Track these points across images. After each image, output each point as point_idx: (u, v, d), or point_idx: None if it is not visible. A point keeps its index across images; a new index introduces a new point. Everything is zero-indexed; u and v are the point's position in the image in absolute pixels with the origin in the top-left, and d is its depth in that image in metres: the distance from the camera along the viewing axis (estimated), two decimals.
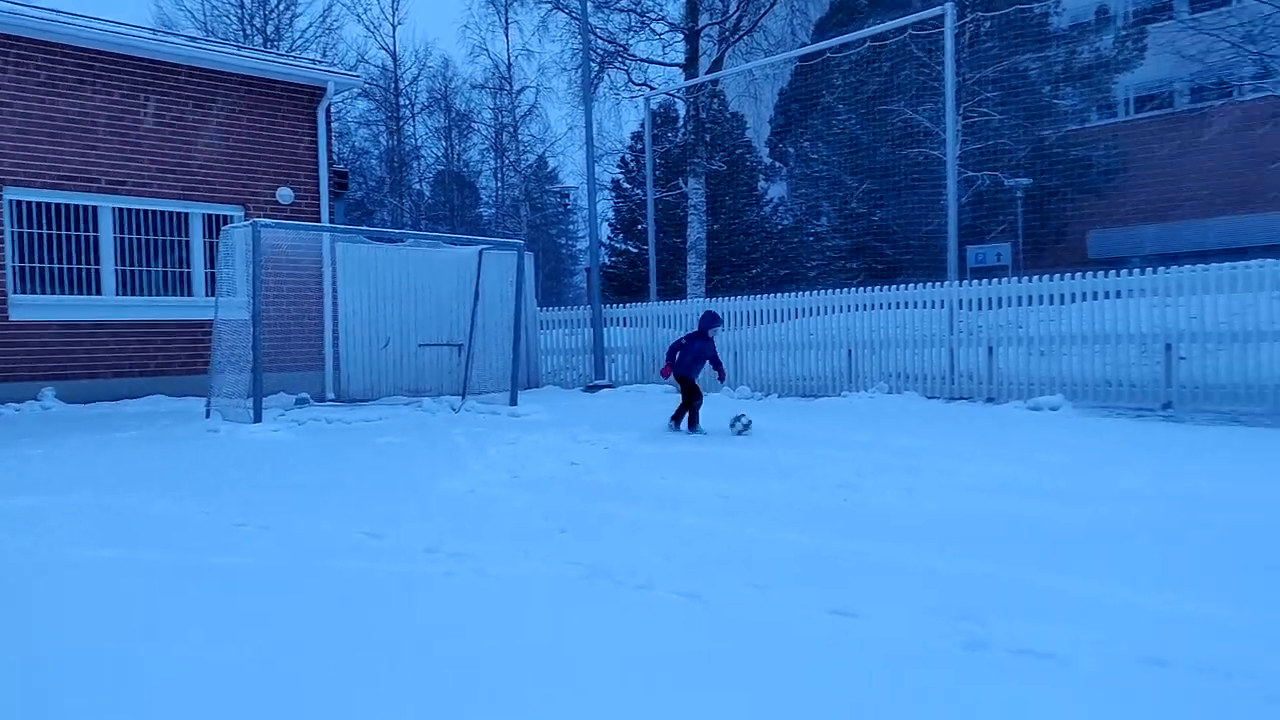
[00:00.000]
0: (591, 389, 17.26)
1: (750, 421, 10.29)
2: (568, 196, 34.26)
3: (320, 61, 18.91)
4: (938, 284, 14.30)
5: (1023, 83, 22.52)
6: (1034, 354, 13.15)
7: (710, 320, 11.12)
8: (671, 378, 11.09)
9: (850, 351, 14.96)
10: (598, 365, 17.99)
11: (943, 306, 14.08)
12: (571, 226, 49.91)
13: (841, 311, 15.25)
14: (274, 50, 31.17)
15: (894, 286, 14.84)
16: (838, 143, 24.02)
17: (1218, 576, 4.56)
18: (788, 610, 4.09)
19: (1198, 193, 26.32)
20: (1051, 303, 13.10)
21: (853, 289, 15.43)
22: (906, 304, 14.45)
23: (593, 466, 8.42)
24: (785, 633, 3.83)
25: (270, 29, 37.20)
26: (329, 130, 15.97)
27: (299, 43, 37.29)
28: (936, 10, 14.60)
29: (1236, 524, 5.66)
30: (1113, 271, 12.88)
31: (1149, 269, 12.49)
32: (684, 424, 10.88)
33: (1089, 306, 12.86)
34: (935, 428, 10.73)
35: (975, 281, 14.12)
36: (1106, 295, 12.76)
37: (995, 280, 13.89)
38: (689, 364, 10.97)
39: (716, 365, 11.15)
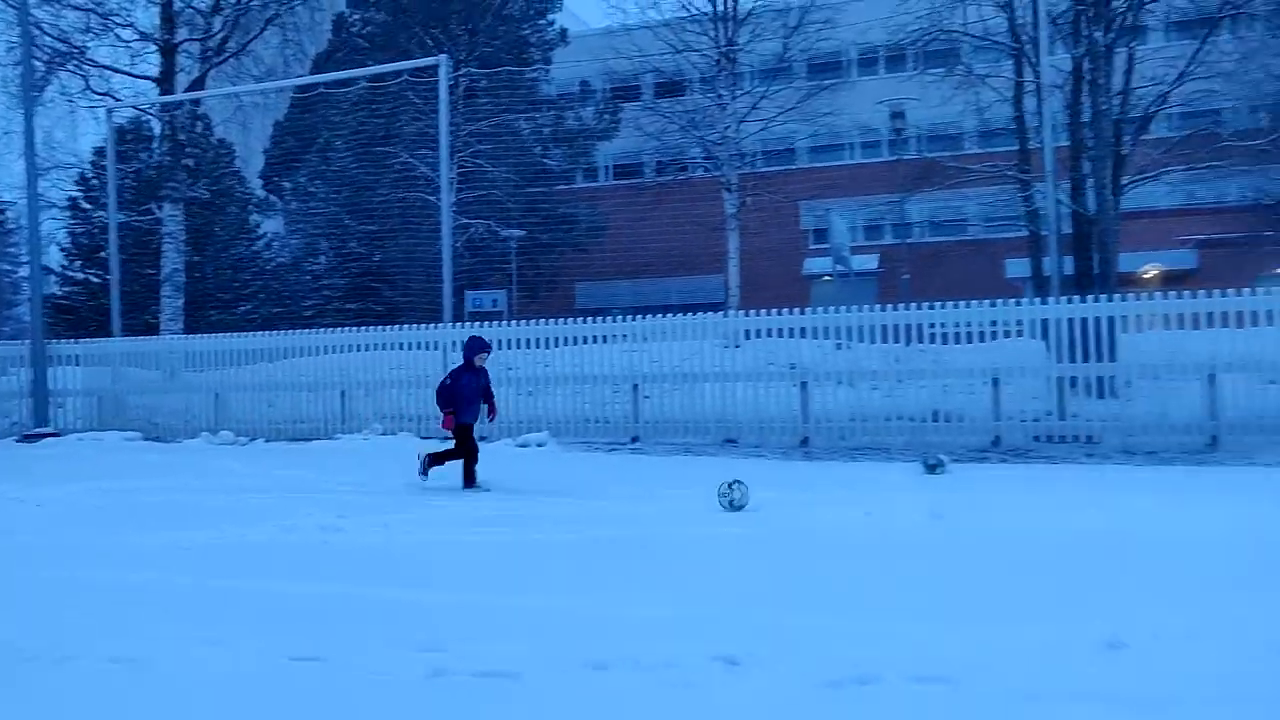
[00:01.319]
0: (30, 438, 14.64)
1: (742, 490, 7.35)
2: (4, 213, 29.02)
3: None
4: (433, 326, 14.48)
5: (516, 140, 24.04)
6: (523, 394, 13.81)
7: (477, 346, 9.26)
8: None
9: (344, 393, 14.46)
10: (39, 410, 15.31)
11: (438, 348, 14.26)
12: (12, 249, 42.29)
13: (336, 352, 14.73)
14: None
15: (390, 328, 14.73)
16: (337, 181, 23.45)
17: (651, 583, 5.05)
18: (244, 661, 3.75)
19: (661, 254, 30.10)
20: (538, 346, 13.90)
21: (348, 329, 15.00)
22: (403, 345, 14.40)
23: (17, 528, 7.06)
24: (239, 686, 3.51)
25: None
26: None
27: None
28: (431, 60, 14.93)
29: (675, 538, 6.37)
30: (593, 319, 14.03)
31: (621, 318, 13.82)
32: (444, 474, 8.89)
33: (572, 351, 13.86)
34: None
35: (471, 325, 14.54)
36: (587, 340, 13.85)
37: (489, 324, 14.42)
38: (464, 408, 8.89)
39: (489, 401, 9.26)
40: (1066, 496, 7.12)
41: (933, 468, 9.41)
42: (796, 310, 13.05)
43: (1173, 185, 23.69)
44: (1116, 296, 12.11)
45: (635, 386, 13.39)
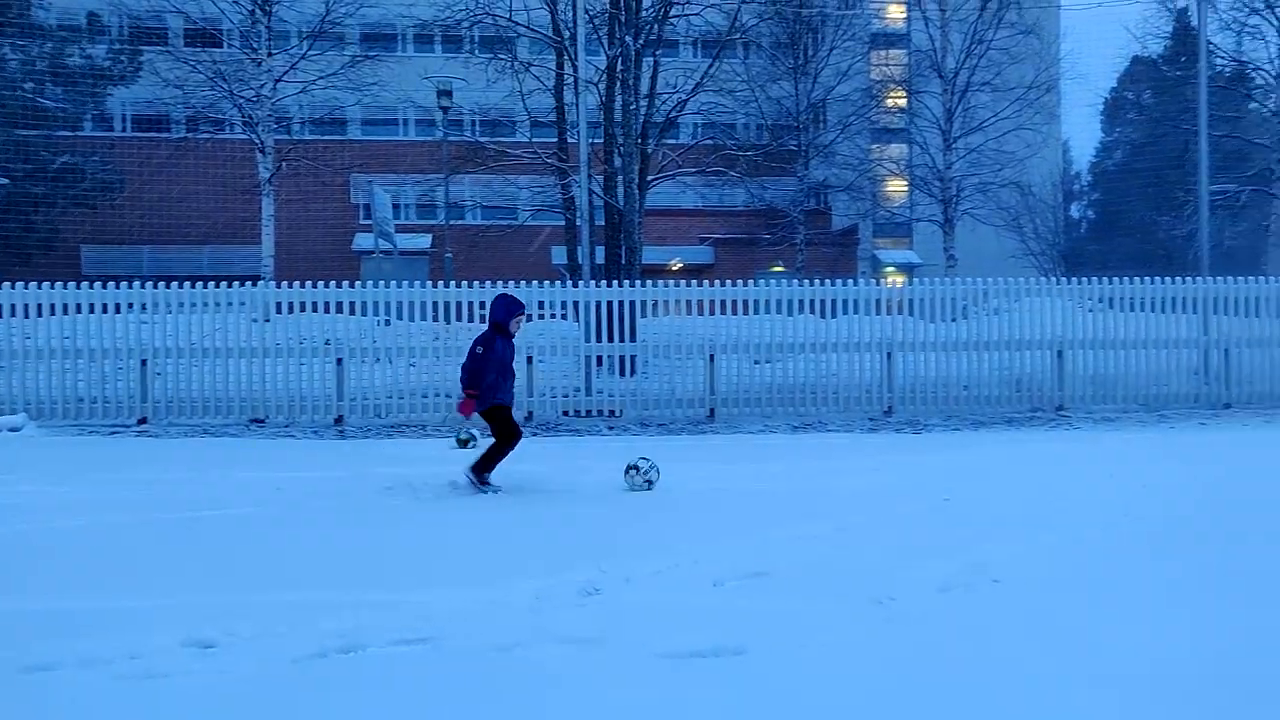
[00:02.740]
0: None
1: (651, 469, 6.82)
2: None
3: None
4: None
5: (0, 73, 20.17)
6: None
7: (514, 308, 7.16)
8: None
9: None
10: None
11: None
12: None
13: None
14: None
15: None
16: None
17: (127, 573, 4.54)
18: None
19: (192, 219, 27.31)
20: (14, 315, 11.78)
21: None
22: None
23: None
24: None
25: None
26: None
27: None
28: None
29: (163, 522, 5.74)
30: (97, 285, 12.19)
31: (131, 285, 12.17)
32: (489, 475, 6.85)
33: (65, 321, 11.95)
34: None
35: None
36: (81, 309, 12.00)
37: None
38: (501, 385, 6.96)
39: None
40: (579, 464, 7.51)
41: (464, 443, 9.50)
42: (333, 284, 12.43)
43: (691, 187, 26.55)
44: (639, 284, 13.21)
45: (144, 362, 11.89)
